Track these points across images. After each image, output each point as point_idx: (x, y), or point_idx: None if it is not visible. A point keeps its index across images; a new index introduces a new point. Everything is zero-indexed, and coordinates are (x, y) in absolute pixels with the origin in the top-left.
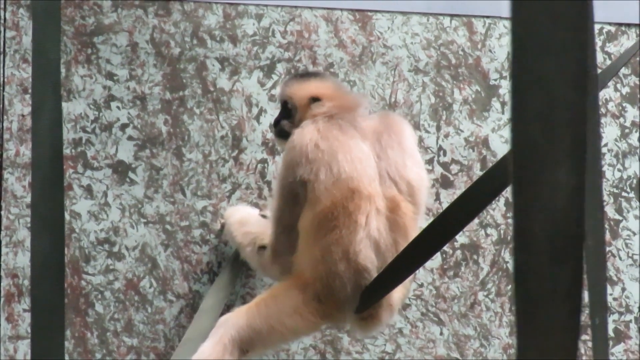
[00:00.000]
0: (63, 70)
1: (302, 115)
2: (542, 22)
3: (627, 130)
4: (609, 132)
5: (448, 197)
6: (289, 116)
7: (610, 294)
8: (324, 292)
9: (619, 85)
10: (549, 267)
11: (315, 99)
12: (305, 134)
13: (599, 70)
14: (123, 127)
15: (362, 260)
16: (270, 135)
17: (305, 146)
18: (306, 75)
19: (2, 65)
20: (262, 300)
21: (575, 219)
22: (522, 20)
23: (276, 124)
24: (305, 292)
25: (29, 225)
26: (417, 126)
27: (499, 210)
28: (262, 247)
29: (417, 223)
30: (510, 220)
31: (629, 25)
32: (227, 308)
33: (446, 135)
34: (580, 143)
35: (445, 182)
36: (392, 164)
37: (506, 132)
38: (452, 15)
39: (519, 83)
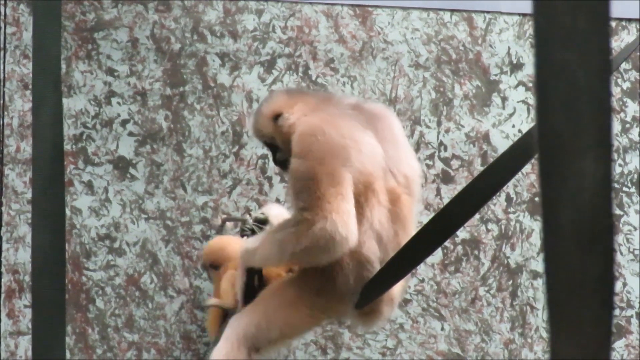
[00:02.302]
0: (63, 66)
1: (281, 136)
2: (564, 13)
3: (627, 125)
4: None
5: (449, 193)
6: (275, 149)
7: None
8: (326, 285)
9: (619, 80)
10: (578, 257)
11: (277, 116)
12: (315, 125)
13: None
14: (123, 122)
15: (366, 251)
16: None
17: (328, 133)
18: (258, 108)
19: (2, 61)
20: (263, 296)
21: (604, 208)
22: (544, 11)
23: (276, 162)
24: (304, 287)
25: (29, 221)
26: (417, 121)
27: (499, 205)
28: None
29: (414, 215)
30: (511, 216)
31: (629, 20)
32: None
33: (447, 131)
34: (605, 132)
35: (446, 178)
36: (390, 156)
37: (507, 127)
38: (452, 11)
39: (543, 74)
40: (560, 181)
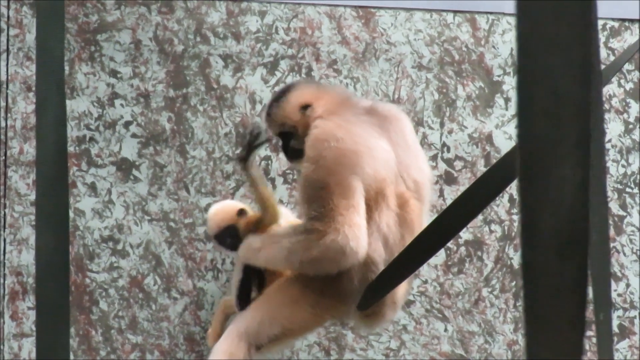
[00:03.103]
0: (67, 68)
1: (303, 127)
2: (547, 18)
3: (630, 126)
4: (613, 127)
5: (452, 194)
6: (291, 138)
7: (615, 290)
8: (330, 285)
9: (622, 81)
10: (555, 262)
11: (305, 106)
12: (329, 130)
13: (603, 66)
14: (127, 124)
15: (372, 253)
16: None
17: (342, 139)
18: (281, 94)
19: (5, 63)
20: (267, 292)
21: (580, 214)
22: (527, 16)
23: (286, 149)
24: (309, 286)
25: (33, 223)
26: (420, 122)
27: (502, 206)
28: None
29: (423, 219)
30: (514, 217)
31: (632, 21)
32: None
33: (450, 132)
34: (585, 138)
35: (449, 179)
36: (401, 161)
37: (510, 128)
38: (455, 12)
39: (524, 78)
40: (541, 187)
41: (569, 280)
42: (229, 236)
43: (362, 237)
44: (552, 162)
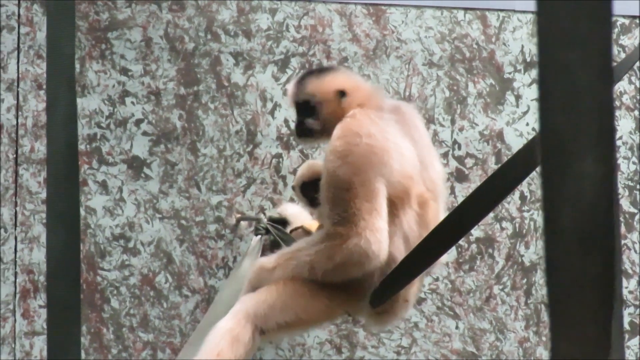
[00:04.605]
0: (77, 65)
1: (329, 110)
2: (567, 14)
3: None
4: (624, 125)
5: (463, 191)
6: (311, 114)
7: (626, 287)
8: (349, 280)
9: (633, 78)
10: (578, 256)
11: (342, 93)
12: (363, 123)
13: (614, 63)
14: (138, 122)
15: (393, 250)
16: (284, 129)
17: (373, 135)
18: (323, 70)
19: (17, 61)
20: (281, 280)
21: (604, 208)
22: (547, 13)
23: (300, 124)
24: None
25: (44, 221)
26: (431, 120)
27: (514, 203)
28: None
29: (439, 219)
30: (525, 214)
31: None
32: None
33: (461, 129)
34: (607, 132)
35: (460, 176)
36: (421, 161)
37: (521, 125)
38: (466, 9)
39: (545, 74)
40: (561, 181)
41: (592, 275)
42: (316, 190)
43: (383, 241)
44: (573, 156)
